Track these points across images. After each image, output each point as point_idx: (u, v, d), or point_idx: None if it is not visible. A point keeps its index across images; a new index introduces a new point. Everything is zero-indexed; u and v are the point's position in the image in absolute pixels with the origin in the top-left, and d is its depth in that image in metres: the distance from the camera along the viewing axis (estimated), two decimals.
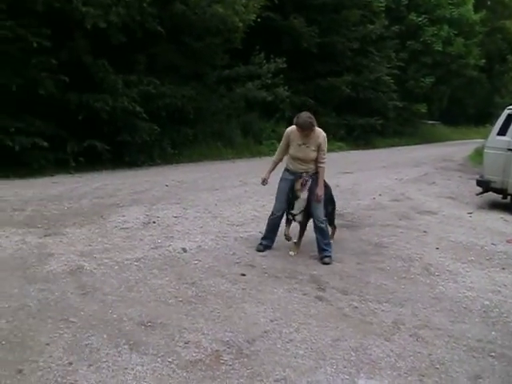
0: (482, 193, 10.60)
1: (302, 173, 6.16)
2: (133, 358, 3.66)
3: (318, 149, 6.15)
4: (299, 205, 6.22)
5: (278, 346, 3.98)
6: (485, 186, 10.32)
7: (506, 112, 10.17)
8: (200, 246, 6.44)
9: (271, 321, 4.42)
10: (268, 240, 6.52)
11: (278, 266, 5.94)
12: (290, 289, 5.25)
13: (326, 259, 6.12)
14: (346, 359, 3.85)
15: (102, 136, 12.15)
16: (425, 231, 8.11)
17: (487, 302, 5.28)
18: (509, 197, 10.15)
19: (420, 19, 29.41)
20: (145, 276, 5.26)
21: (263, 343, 4.00)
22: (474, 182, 11.22)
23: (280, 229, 6.59)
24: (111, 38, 11.95)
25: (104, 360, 3.63)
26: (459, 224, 8.79)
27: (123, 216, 7.67)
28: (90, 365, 3.56)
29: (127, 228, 7.05)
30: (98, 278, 5.13)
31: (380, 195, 10.99)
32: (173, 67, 14.23)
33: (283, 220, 6.56)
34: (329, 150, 19.90)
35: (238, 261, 6.01)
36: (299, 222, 6.43)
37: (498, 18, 45.18)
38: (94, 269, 5.39)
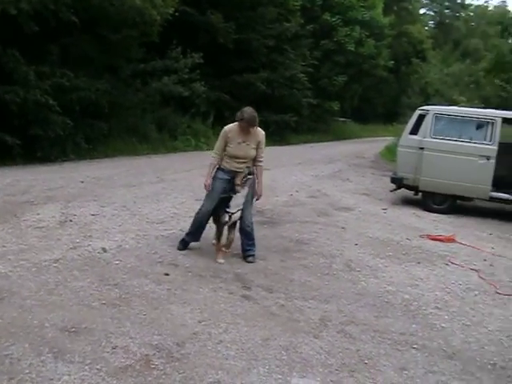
0: (395, 189, 11.05)
1: (239, 172, 6.01)
2: (58, 368, 3.49)
3: (257, 146, 6.08)
4: (237, 202, 6.01)
5: (209, 347, 3.95)
6: (398, 182, 10.76)
7: (417, 112, 10.62)
8: (120, 246, 6.28)
9: (199, 322, 4.38)
10: (191, 236, 6.37)
11: (201, 264, 5.91)
12: (215, 288, 5.23)
13: (250, 258, 6.15)
14: (278, 358, 3.88)
15: (12, 129, 11.54)
16: (343, 227, 8.33)
17: (407, 296, 5.51)
18: (420, 193, 10.63)
19: (334, 19, 30.07)
20: (65, 278, 5.06)
21: (193, 345, 3.95)
22: (387, 179, 11.68)
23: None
24: (22, 26, 11.39)
25: (27, 371, 3.42)
26: (375, 220, 9.10)
27: (38, 214, 7.33)
28: (11, 378, 3.34)
29: (43, 227, 6.75)
30: (14, 282, 4.87)
31: (297, 191, 11.17)
32: (87, 59, 13.74)
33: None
34: None
35: (160, 260, 5.92)
36: (231, 224, 6.17)
37: (404, 22, 47.18)
38: (10, 271, 5.11)
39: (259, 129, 6.09)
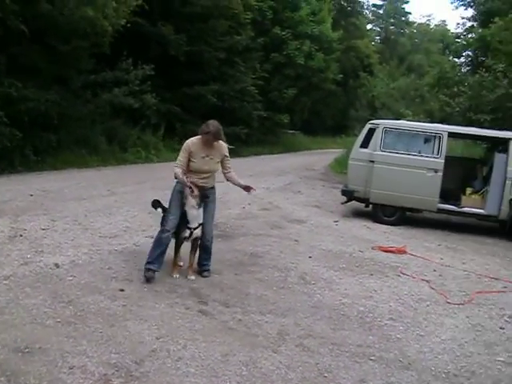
0: (346, 202, 11.23)
1: (202, 186, 5.86)
2: None
3: (222, 160, 6.01)
4: (192, 214, 5.82)
5: (168, 365, 3.91)
6: (349, 195, 10.94)
7: (367, 126, 10.84)
8: (73, 261, 6.15)
9: (157, 338, 4.33)
10: (157, 264, 5.78)
11: (157, 279, 5.82)
12: (171, 303, 5.18)
13: (206, 273, 6.12)
14: (238, 374, 3.88)
15: None
16: (296, 240, 8.39)
17: (362, 308, 5.59)
18: (371, 205, 10.83)
19: (284, 33, 30.41)
20: (16, 296, 4.90)
21: (152, 363, 3.90)
22: (337, 191, 11.88)
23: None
24: None
25: None
26: (327, 232, 9.21)
27: None
28: None
29: None
30: None
31: (249, 204, 11.19)
32: (36, 70, 13.45)
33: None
34: None
35: (114, 275, 5.83)
36: (195, 239, 5.99)
37: (351, 37, 48.24)
38: None
39: (221, 142, 5.96)
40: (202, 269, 6.15)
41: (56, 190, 10.68)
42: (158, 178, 13.65)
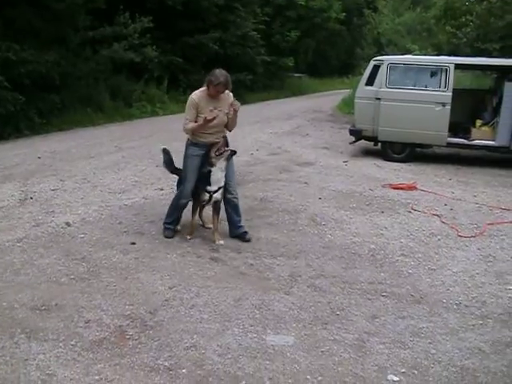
0: (354, 141, 11.17)
1: (215, 143, 5.44)
2: (32, 347, 3.47)
3: (231, 107, 5.45)
4: (217, 177, 5.44)
5: (182, 313, 3.98)
6: (357, 134, 10.87)
7: (372, 63, 10.66)
8: (84, 219, 6.22)
9: (170, 288, 4.40)
10: (175, 222, 5.82)
11: None
12: (183, 253, 5.25)
13: (247, 236, 5.72)
14: (251, 317, 3.94)
15: None
16: (306, 182, 8.39)
17: (373, 246, 5.63)
18: (379, 143, 10.75)
19: None
20: (30, 257, 5.00)
21: (166, 312, 3.98)
22: (346, 132, 11.79)
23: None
24: None
25: (0, 355, 3.38)
26: (337, 173, 9.20)
27: None
28: None
29: (3, 207, 6.62)
30: None
31: (257, 150, 11.17)
32: (33, 31, 13.20)
33: None
34: None
35: (125, 230, 5.90)
36: (215, 202, 5.64)
37: None
38: None
39: (227, 91, 5.44)
40: (241, 231, 5.75)
41: (63, 150, 10.69)
42: (164, 131, 13.63)
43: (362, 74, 11.32)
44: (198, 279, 4.60)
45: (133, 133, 13.47)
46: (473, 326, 3.98)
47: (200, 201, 5.67)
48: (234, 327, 3.79)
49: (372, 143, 11.05)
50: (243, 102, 24.83)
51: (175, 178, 8.25)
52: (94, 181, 8.11)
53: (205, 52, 21.87)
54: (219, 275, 4.71)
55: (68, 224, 5.97)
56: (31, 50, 12.64)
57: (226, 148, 5.43)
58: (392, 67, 10.32)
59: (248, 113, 19.57)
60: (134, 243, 5.45)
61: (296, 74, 36.42)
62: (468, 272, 5.02)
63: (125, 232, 5.81)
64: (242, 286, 4.47)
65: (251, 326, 3.83)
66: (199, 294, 4.29)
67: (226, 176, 5.52)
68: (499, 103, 10.18)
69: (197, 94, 5.44)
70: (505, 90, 9.94)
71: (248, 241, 5.64)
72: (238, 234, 5.73)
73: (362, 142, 11.24)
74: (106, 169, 8.97)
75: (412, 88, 10.22)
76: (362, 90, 10.71)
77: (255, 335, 3.70)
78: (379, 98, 10.28)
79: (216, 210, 5.69)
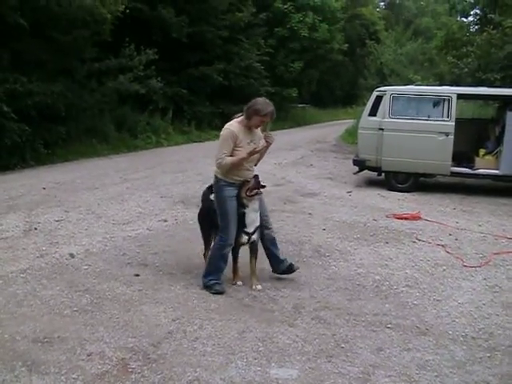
0: (358, 172, 11.20)
1: (246, 182, 5.03)
2: (33, 381, 3.43)
3: (266, 138, 5.07)
4: (251, 218, 5.08)
5: (185, 345, 3.94)
6: (361, 164, 10.90)
7: (374, 94, 10.74)
8: (88, 250, 6.21)
9: (173, 320, 4.37)
10: (221, 278, 5.16)
11: (172, 262, 5.89)
12: (186, 285, 5.22)
13: (295, 266, 5.44)
14: (255, 350, 3.90)
15: None
16: (310, 213, 8.39)
17: (377, 277, 5.59)
18: (383, 173, 10.77)
19: (286, 6, 30.02)
20: (33, 288, 4.98)
21: (169, 345, 3.94)
22: (350, 162, 11.82)
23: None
24: None
25: None
26: (341, 203, 9.19)
27: (1, 225, 7.19)
28: None
29: (7, 238, 6.63)
30: None
31: (262, 181, 11.14)
32: (39, 63, 13.43)
33: None
34: (205, 139, 20.01)
35: (129, 261, 5.88)
36: (252, 243, 5.21)
37: (355, 5, 47.51)
38: None
39: None
40: (286, 264, 5.40)
41: (68, 181, 10.75)
42: (168, 162, 13.74)
43: (365, 105, 11.40)
44: (202, 311, 4.57)
45: (138, 164, 13.54)
46: (480, 358, 3.93)
47: (238, 244, 5.18)
48: (238, 360, 3.75)
49: (376, 173, 11.08)
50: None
51: (179, 209, 8.36)
52: (99, 212, 8.13)
53: (209, 83, 22.12)
54: (223, 307, 4.67)
55: (72, 255, 5.97)
56: (38, 81, 12.83)
57: (258, 190, 5.04)
58: (395, 97, 10.40)
59: None
60: (137, 275, 5.43)
61: (300, 105, 36.71)
62: (474, 303, 4.97)
63: (128, 263, 5.80)
64: (245, 319, 4.43)
65: (255, 358, 3.78)
66: (203, 327, 4.26)
67: (261, 212, 5.19)
68: (502, 132, 10.22)
69: (235, 126, 4.93)
70: (507, 119, 9.98)
71: (295, 271, 5.39)
72: (284, 268, 5.39)
73: (366, 173, 11.27)
74: (111, 200, 8.99)
75: (415, 118, 10.28)
76: (366, 120, 10.77)
77: (259, 368, 3.65)
78: (382, 129, 10.33)
79: (254, 252, 5.27)
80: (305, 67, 31.88)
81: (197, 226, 6.88)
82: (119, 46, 16.68)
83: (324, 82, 41.15)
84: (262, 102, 4.85)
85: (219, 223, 5.07)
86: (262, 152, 5.10)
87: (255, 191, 5.02)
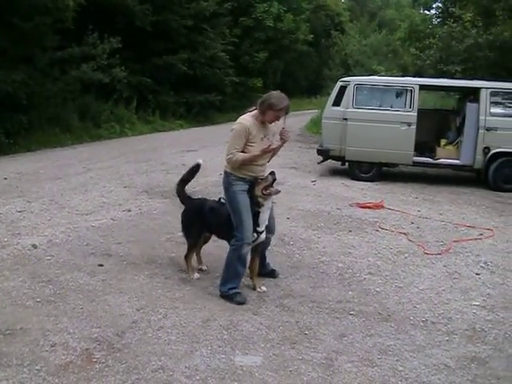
0: (322, 161, 11.28)
1: (261, 177, 4.77)
2: None
3: (282, 134, 4.74)
4: (264, 217, 4.81)
5: (149, 335, 3.95)
6: (325, 154, 10.98)
7: (338, 84, 10.81)
8: (51, 241, 6.13)
9: (137, 310, 4.37)
10: (239, 279, 4.80)
11: (136, 252, 5.87)
12: (151, 274, 5.22)
13: (277, 272, 5.33)
14: (220, 338, 3.94)
15: None
16: (274, 202, 8.31)
17: (341, 265, 5.68)
18: (347, 163, 10.88)
19: None
20: None
21: (133, 334, 3.94)
22: (314, 151, 11.90)
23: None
24: None
25: None
26: (305, 193, 9.27)
27: None
28: None
29: None
30: None
31: None
32: (0, 50, 13.16)
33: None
34: (170, 129, 19.81)
35: (93, 251, 5.84)
36: (257, 245, 4.90)
37: None
38: None
39: None
40: (269, 268, 5.33)
41: (31, 171, 10.57)
42: (132, 151, 13.62)
43: (329, 95, 11.48)
44: (166, 301, 4.57)
45: (101, 153, 13.39)
46: (439, 342, 4.04)
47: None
48: (202, 348, 3.78)
49: (339, 163, 11.19)
50: (212, 122, 25.01)
51: (143, 199, 8.31)
52: (62, 202, 8.02)
53: (174, 73, 21.96)
54: (187, 296, 4.69)
55: (34, 246, 5.89)
56: None
57: (276, 188, 4.81)
58: (358, 88, 10.51)
59: (217, 133, 19.67)
60: (101, 265, 5.40)
61: (264, 95, 36.70)
62: (434, 289, 5.10)
63: (92, 254, 5.75)
64: (210, 307, 4.46)
65: (219, 346, 3.82)
66: (167, 316, 4.26)
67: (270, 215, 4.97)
68: (462, 123, 10.44)
69: (248, 120, 4.62)
70: (467, 110, 10.20)
71: (277, 276, 5.27)
72: (267, 271, 5.28)
73: (330, 162, 11.36)
74: (74, 190, 8.88)
75: (378, 108, 10.42)
76: (330, 110, 10.85)
77: (223, 356, 3.69)
78: (346, 119, 10.43)
79: (257, 252, 4.98)
80: (270, 57, 31.89)
81: (161, 216, 6.94)
82: (82, 34, 16.41)
83: (289, 72, 41.20)
84: (277, 96, 4.58)
85: (233, 221, 4.71)
86: (276, 149, 4.78)
87: (273, 190, 4.75)
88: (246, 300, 4.64)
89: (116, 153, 13.45)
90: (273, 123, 4.68)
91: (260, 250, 5.03)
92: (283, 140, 4.72)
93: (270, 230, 5.02)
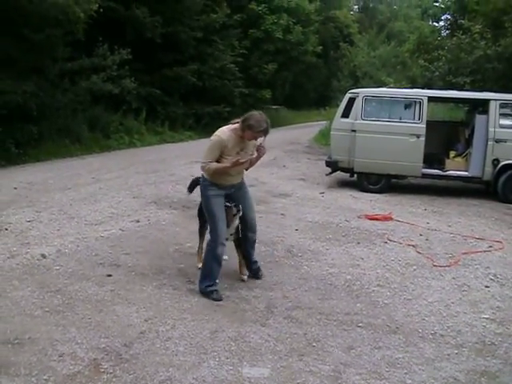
0: (331, 173, 11.28)
1: (232, 188, 5.12)
2: (3, 383, 3.39)
3: (258, 150, 5.07)
4: (233, 227, 5.25)
5: (157, 345, 3.95)
6: (333, 166, 10.99)
7: (347, 96, 10.83)
8: (60, 250, 6.15)
9: (145, 320, 4.37)
10: (215, 277, 5.03)
11: (144, 262, 5.87)
12: (159, 285, 5.21)
13: (261, 273, 5.55)
14: (227, 350, 3.93)
15: None
16: (282, 214, 8.43)
17: (349, 277, 5.66)
18: (355, 175, 10.88)
19: (260, 8, 30.09)
20: (4, 289, 4.91)
21: (141, 345, 3.94)
22: (322, 163, 11.90)
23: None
24: None
25: None
26: (314, 204, 9.26)
27: None
28: None
29: None
30: None
31: None
32: (10, 61, 13.21)
33: None
34: (179, 140, 19.92)
35: (101, 261, 5.84)
36: (238, 242, 5.46)
37: (330, 8, 47.88)
38: None
39: None
40: (255, 267, 5.55)
41: (40, 181, 10.62)
42: (141, 162, 13.67)
43: (338, 106, 11.50)
44: (174, 311, 4.57)
45: (111, 164, 13.45)
46: (448, 355, 4.01)
47: (231, 216, 5.15)
48: (210, 360, 3.77)
49: (348, 174, 11.18)
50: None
51: (152, 209, 8.34)
52: (71, 212, 8.05)
53: (183, 84, 22.08)
54: (195, 308, 4.69)
55: (43, 256, 5.91)
56: (8, 80, 12.64)
57: (237, 209, 5.14)
58: (367, 100, 10.52)
59: None
60: (110, 275, 5.41)
61: (273, 106, 36.76)
62: (443, 301, 5.07)
63: (101, 264, 5.76)
64: (218, 318, 4.46)
65: (227, 358, 3.81)
66: (175, 327, 4.26)
67: (247, 214, 5.27)
68: (471, 135, 10.41)
69: (225, 134, 4.87)
70: (476, 122, 10.19)
71: (260, 277, 5.48)
72: (252, 269, 5.51)
73: (339, 174, 11.36)
74: (83, 200, 8.91)
75: (387, 120, 10.43)
76: (338, 122, 10.86)
77: (231, 367, 3.68)
78: (355, 130, 10.44)
79: (240, 249, 5.47)
80: (279, 69, 31.99)
81: (170, 227, 6.96)
82: (92, 45, 16.56)
83: (298, 83, 41.33)
84: (257, 119, 4.79)
85: (208, 224, 5.13)
86: (252, 161, 5.14)
87: (236, 211, 5.14)
88: (222, 298, 4.90)
89: (125, 163, 13.51)
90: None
91: (243, 247, 5.43)
92: (258, 156, 5.06)
93: (252, 229, 5.38)
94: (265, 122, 4.81)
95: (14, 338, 3.95)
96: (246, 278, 5.42)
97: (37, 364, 3.62)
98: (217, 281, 5.01)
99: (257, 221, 5.50)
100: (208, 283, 4.96)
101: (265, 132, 4.84)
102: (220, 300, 4.86)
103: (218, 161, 4.86)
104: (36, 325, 4.20)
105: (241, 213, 5.16)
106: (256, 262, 5.57)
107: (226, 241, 5.09)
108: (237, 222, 5.25)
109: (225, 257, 5.31)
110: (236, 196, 5.21)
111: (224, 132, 4.88)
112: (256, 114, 4.84)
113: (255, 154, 5.10)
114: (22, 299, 4.70)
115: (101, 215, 7.95)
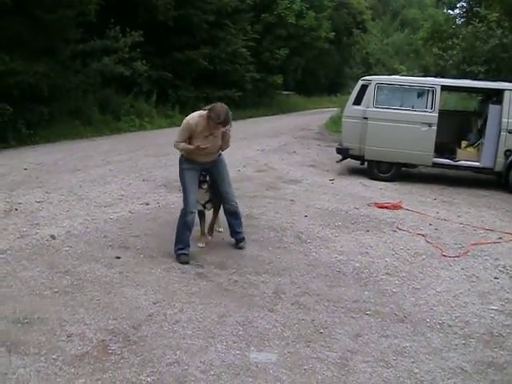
0: (341, 160, 11.23)
1: (206, 164, 5.62)
2: (13, 361, 3.42)
3: (222, 135, 5.53)
4: (202, 196, 5.80)
5: (165, 328, 3.96)
6: (344, 153, 10.93)
7: (360, 83, 10.74)
8: (69, 232, 6.18)
9: (154, 303, 4.38)
10: (188, 246, 5.54)
11: (153, 245, 5.89)
12: (167, 268, 5.22)
13: (242, 243, 5.95)
14: (235, 334, 3.93)
15: None
16: (292, 200, 8.41)
17: (358, 264, 5.64)
18: (366, 162, 10.82)
19: None
20: (13, 269, 4.95)
21: (149, 327, 3.95)
22: (333, 150, 11.87)
23: None
24: None
25: None
26: (323, 191, 9.23)
27: None
28: None
29: None
30: None
31: (244, 167, 11.18)
32: (22, 42, 13.20)
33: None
34: None
35: (110, 243, 5.87)
36: (208, 210, 6.07)
37: None
38: None
39: None
40: (237, 237, 5.96)
41: (50, 162, 10.66)
42: (152, 145, 13.67)
43: (350, 93, 11.43)
44: (183, 295, 4.58)
45: (121, 146, 13.47)
46: (456, 345, 4.00)
47: (203, 189, 5.79)
48: (218, 344, 3.78)
49: (358, 162, 11.13)
50: (232, 118, 25.04)
51: (161, 192, 8.37)
52: (80, 194, 8.08)
53: (194, 67, 22.02)
54: (203, 291, 4.69)
55: (53, 237, 5.93)
56: (20, 60, 12.64)
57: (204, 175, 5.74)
58: (379, 87, 10.44)
59: (236, 129, 19.58)
60: (118, 257, 5.42)
61: (285, 92, 36.68)
62: (452, 292, 5.05)
63: (110, 246, 5.78)
64: (226, 303, 4.46)
65: (234, 342, 3.82)
66: (183, 310, 4.27)
67: (221, 187, 5.80)
68: (484, 125, 10.32)
69: (194, 119, 5.39)
70: (489, 112, 10.08)
71: (240, 248, 5.90)
72: (236, 239, 5.98)
73: (349, 161, 11.32)
74: (93, 182, 8.93)
75: (399, 108, 10.34)
76: (350, 109, 10.79)
77: (238, 352, 3.69)
78: (366, 118, 10.37)
79: (213, 215, 6.17)
80: (291, 54, 31.80)
81: (179, 210, 6.92)
82: (104, 27, 16.50)
83: (309, 69, 41.13)
84: (217, 111, 5.20)
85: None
86: (224, 141, 5.63)
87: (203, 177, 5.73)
88: (187, 261, 5.36)
89: (135, 146, 13.52)
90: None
91: (217, 210, 6.11)
92: (224, 141, 5.62)
93: (227, 201, 5.85)
94: (223, 114, 5.18)
95: (24, 318, 3.97)
96: (201, 245, 5.91)
97: (46, 344, 3.65)
98: (189, 245, 5.51)
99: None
100: (180, 246, 5.47)
101: (224, 123, 5.26)
102: (186, 263, 5.34)
103: (190, 141, 5.42)
104: (45, 305, 4.22)
105: (205, 185, 5.75)
106: (239, 232, 5.96)
107: (196, 210, 5.66)
108: (205, 194, 5.84)
109: (200, 244, 5.91)
110: (211, 171, 5.73)
111: (193, 117, 5.41)
112: (217, 106, 5.25)
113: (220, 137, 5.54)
114: (31, 279, 4.73)
115: (110, 197, 7.97)
